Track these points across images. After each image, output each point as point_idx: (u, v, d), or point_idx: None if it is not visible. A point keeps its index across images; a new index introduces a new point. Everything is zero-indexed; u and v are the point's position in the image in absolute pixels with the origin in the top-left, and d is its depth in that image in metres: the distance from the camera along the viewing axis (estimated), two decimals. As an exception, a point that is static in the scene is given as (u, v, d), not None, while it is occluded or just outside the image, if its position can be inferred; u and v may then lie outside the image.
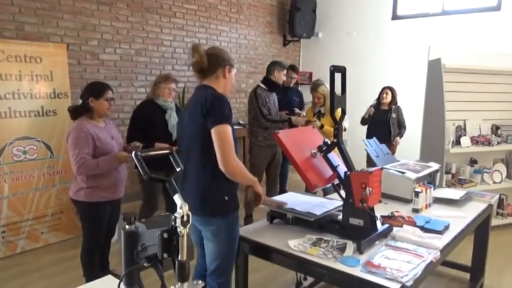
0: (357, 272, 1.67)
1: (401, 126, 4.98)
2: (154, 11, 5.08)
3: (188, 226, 1.01)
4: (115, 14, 4.69)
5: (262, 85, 4.14)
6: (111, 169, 2.61)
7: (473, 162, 4.35)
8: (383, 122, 4.89)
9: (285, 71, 4.23)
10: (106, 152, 2.61)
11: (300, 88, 7.31)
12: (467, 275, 3.11)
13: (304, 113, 4.33)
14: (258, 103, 4.03)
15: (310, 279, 2.78)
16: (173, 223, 1.01)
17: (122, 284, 1.10)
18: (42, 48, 3.69)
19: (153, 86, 3.49)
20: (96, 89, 2.64)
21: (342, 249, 1.84)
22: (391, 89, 4.96)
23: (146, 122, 3.31)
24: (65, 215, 3.84)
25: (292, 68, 5.03)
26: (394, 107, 4.94)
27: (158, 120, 3.36)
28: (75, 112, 2.65)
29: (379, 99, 5.02)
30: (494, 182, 4.23)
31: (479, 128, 4.32)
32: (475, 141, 4.16)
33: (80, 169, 2.53)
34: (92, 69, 4.55)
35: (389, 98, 4.93)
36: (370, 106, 5.02)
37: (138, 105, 3.63)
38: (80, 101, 2.65)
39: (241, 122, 5.96)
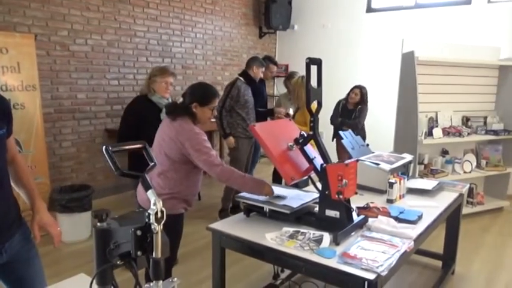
0: (333, 263, 1.68)
1: (354, 126, 4.54)
2: (127, 1, 4.95)
3: (162, 223, 0.98)
4: (85, 4, 4.54)
5: (241, 78, 4.12)
6: (250, 192, 2.20)
7: (444, 152, 4.46)
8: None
9: (263, 69, 4.19)
10: None
11: (275, 80, 7.34)
12: (439, 263, 3.20)
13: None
14: (230, 93, 4.00)
15: (287, 271, 2.80)
16: (147, 220, 0.98)
17: (94, 283, 1.07)
18: (8, 39, 3.54)
19: (147, 79, 3.13)
20: (204, 97, 2.26)
21: (319, 241, 1.85)
22: (361, 89, 4.73)
23: (139, 121, 2.96)
24: (36, 211, 3.73)
25: (275, 63, 4.75)
26: (359, 107, 4.70)
27: (152, 119, 2.93)
28: (174, 112, 2.26)
29: (347, 97, 4.83)
30: (464, 172, 4.36)
31: (451, 120, 4.44)
32: (446, 132, 4.26)
33: (224, 174, 2.15)
34: (62, 60, 4.40)
35: (357, 98, 4.71)
36: (338, 103, 4.86)
37: (131, 101, 3.26)
38: (181, 99, 2.29)
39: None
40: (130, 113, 3.10)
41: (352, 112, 4.74)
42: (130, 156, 2.85)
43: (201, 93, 2.27)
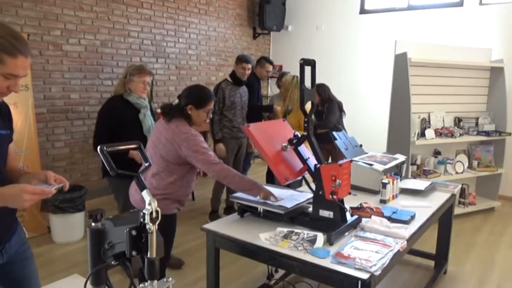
0: (327, 263, 1.69)
1: (325, 126, 4.16)
2: (121, 0, 4.93)
3: (157, 223, 0.99)
4: (79, 3, 4.52)
5: (228, 79, 4.12)
6: (246, 192, 2.21)
7: (437, 153, 4.50)
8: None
9: (243, 64, 4.06)
10: None
11: (269, 81, 7.35)
12: (431, 262, 3.23)
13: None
14: (216, 97, 3.99)
15: (281, 271, 2.81)
16: (142, 220, 0.98)
17: (88, 283, 1.07)
18: (0, 38, 3.51)
19: (122, 79, 2.97)
20: (199, 100, 2.25)
21: (313, 241, 1.86)
22: (316, 88, 3.85)
23: (117, 123, 2.84)
24: (28, 212, 3.70)
25: (270, 62, 4.64)
26: (326, 105, 4.27)
27: (131, 121, 2.88)
28: (170, 113, 2.26)
29: None
30: (456, 173, 4.40)
31: (443, 121, 4.48)
32: (438, 133, 4.29)
33: (222, 172, 2.17)
34: (54, 60, 4.37)
35: (317, 98, 4.15)
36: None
37: (105, 101, 3.05)
38: (176, 101, 2.29)
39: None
40: (107, 115, 2.92)
41: (321, 113, 4.35)
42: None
43: (197, 96, 2.28)
